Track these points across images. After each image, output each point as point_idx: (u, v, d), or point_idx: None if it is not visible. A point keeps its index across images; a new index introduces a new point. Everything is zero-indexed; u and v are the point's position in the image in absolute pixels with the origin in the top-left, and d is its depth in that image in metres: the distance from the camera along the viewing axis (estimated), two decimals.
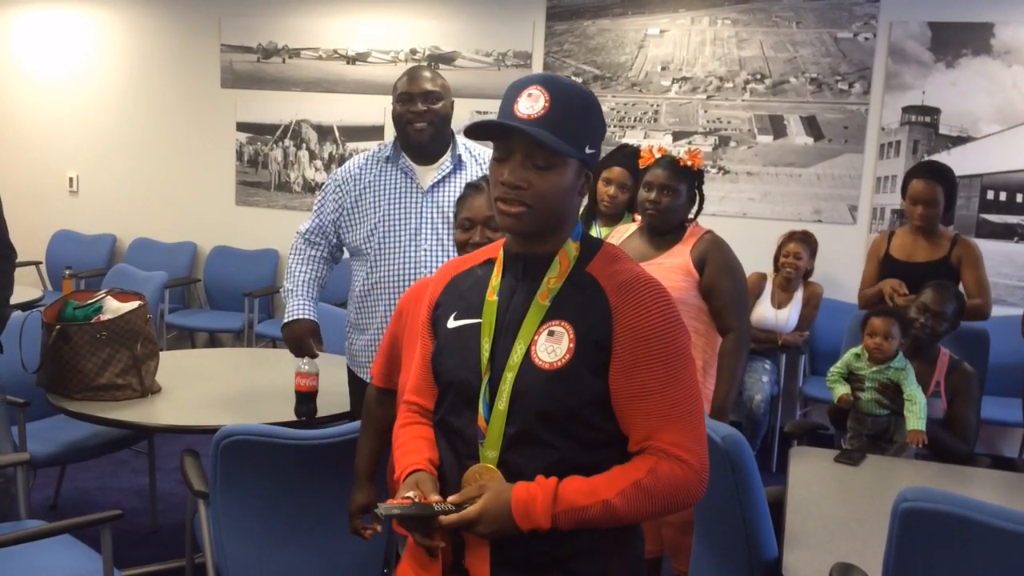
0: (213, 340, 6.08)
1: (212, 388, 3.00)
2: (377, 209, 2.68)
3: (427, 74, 2.66)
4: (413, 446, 1.52)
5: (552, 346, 1.37)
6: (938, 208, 3.62)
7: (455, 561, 1.43)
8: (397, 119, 2.66)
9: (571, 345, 1.36)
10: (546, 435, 1.36)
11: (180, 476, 2.53)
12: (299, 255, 2.81)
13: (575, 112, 1.37)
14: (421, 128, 2.62)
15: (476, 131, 1.39)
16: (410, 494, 1.38)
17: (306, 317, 2.71)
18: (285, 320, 2.73)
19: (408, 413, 1.59)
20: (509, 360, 1.39)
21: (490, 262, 1.52)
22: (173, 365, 3.18)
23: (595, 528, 1.35)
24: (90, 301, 2.90)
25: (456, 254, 2.71)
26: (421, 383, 1.56)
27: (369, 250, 2.69)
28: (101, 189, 6.36)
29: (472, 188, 2.05)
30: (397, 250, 2.65)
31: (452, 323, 1.49)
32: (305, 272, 2.79)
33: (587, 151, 1.39)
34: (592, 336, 1.36)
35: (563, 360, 1.36)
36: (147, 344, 2.88)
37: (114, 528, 2.12)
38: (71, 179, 6.41)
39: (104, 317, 2.85)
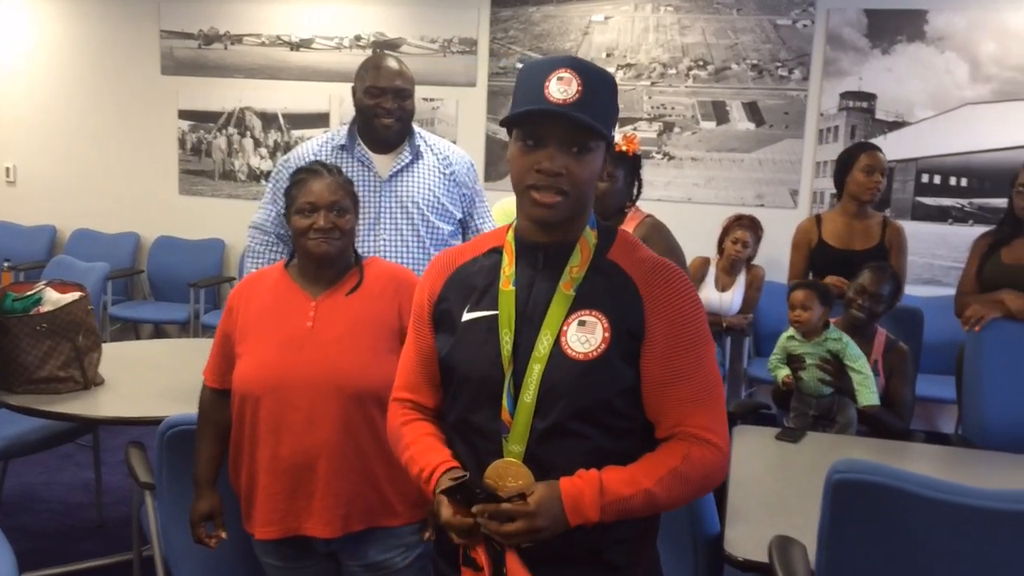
0: (158, 332, 6.00)
1: (157, 380, 2.97)
2: None
3: (395, 66, 2.64)
4: (428, 444, 1.47)
5: (585, 336, 1.35)
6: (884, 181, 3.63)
7: (496, 572, 1.37)
8: (364, 111, 2.64)
9: (606, 335, 1.35)
10: (579, 426, 1.35)
11: (126, 469, 2.51)
12: (257, 259, 2.73)
13: (606, 94, 1.36)
14: (389, 124, 2.63)
15: (514, 117, 1.34)
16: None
17: None
18: None
19: (405, 410, 1.54)
20: (535, 351, 1.36)
21: (495, 251, 1.47)
22: (117, 357, 3.14)
23: (636, 517, 1.35)
24: (29, 293, 2.85)
25: (414, 243, 2.69)
26: (417, 379, 1.53)
27: None
28: (40, 179, 6.22)
29: (306, 172, 1.97)
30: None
31: (467, 315, 1.44)
32: None
33: (611, 134, 1.39)
34: (625, 324, 1.35)
35: (598, 350, 1.34)
36: (89, 336, 2.84)
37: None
38: (8, 169, 6.25)
39: (44, 309, 2.80)
